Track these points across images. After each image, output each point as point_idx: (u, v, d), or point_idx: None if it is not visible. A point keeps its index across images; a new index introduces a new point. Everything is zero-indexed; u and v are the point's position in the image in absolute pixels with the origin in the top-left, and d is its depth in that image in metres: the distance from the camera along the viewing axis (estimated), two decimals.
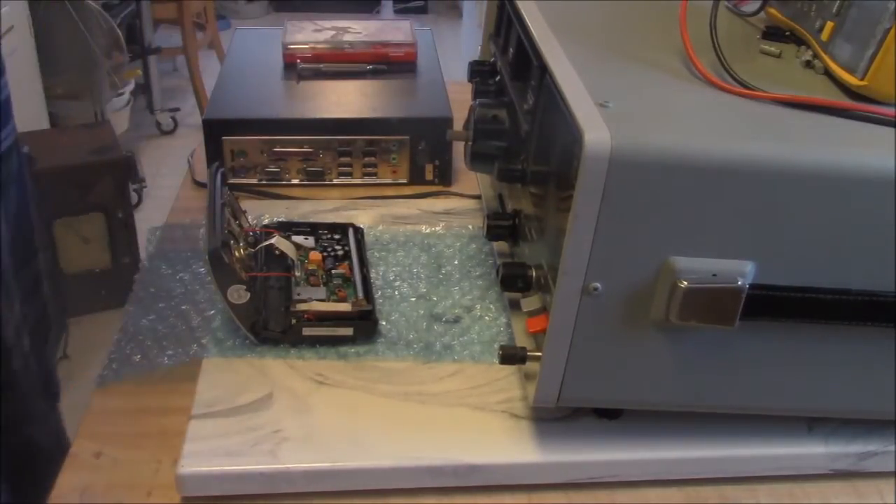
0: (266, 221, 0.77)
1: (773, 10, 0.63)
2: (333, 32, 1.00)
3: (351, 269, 0.69)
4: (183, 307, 0.68)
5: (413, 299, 0.69)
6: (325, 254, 0.71)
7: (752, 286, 0.48)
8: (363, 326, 0.64)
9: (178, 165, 1.88)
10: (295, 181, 0.87)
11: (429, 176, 0.87)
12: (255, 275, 0.65)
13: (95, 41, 2.30)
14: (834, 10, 0.54)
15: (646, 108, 0.50)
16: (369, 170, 0.87)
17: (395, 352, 0.63)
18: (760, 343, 0.51)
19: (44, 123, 2.41)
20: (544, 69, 0.54)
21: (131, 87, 2.70)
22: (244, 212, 0.71)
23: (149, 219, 2.07)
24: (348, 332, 0.63)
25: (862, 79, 0.51)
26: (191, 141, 2.32)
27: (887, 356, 0.52)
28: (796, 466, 0.57)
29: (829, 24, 0.55)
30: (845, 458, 0.57)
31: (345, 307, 0.64)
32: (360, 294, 0.66)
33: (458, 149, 0.76)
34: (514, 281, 0.57)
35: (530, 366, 0.54)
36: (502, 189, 0.74)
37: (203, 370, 0.60)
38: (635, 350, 0.50)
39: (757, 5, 0.64)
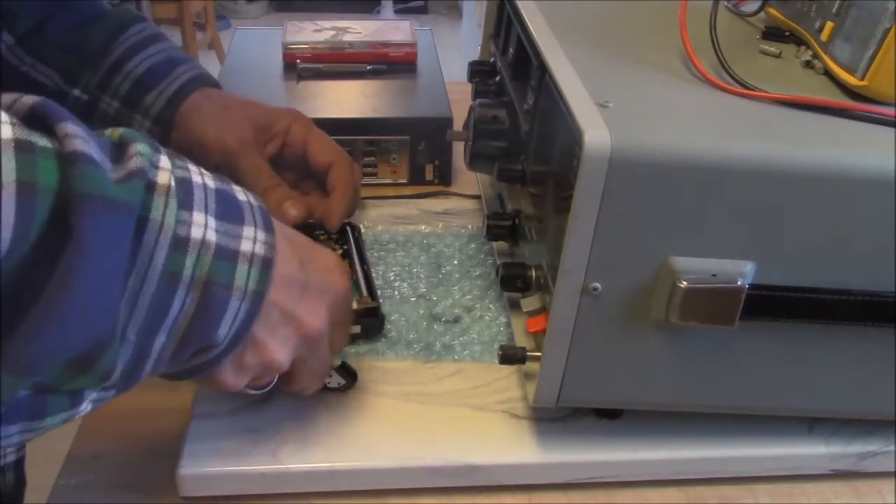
0: None
1: (773, 10, 0.63)
2: (333, 32, 1.00)
3: (352, 267, 0.69)
4: None
5: (413, 299, 0.69)
6: None
7: (752, 286, 0.48)
8: (370, 324, 0.63)
9: None
10: None
11: (429, 176, 0.87)
12: None
13: None
14: (834, 10, 0.54)
15: (646, 108, 0.50)
16: (369, 170, 0.87)
17: (395, 352, 0.63)
18: (760, 343, 0.51)
19: None
20: (544, 69, 0.54)
21: None
22: None
23: None
24: (356, 329, 0.63)
25: (862, 79, 0.51)
26: None
27: (887, 356, 0.52)
28: (796, 466, 0.57)
29: (829, 24, 0.55)
30: (845, 458, 0.57)
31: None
32: (364, 292, 0.66)
33: (458, 149, 0.76)
34: (514, 281, 0.57)
35: (530, 366, 0.54)
36: (502, 189, 0.74)
37: None
38: (635, 350, 0.50)
39: (757, 5, 0.64)
